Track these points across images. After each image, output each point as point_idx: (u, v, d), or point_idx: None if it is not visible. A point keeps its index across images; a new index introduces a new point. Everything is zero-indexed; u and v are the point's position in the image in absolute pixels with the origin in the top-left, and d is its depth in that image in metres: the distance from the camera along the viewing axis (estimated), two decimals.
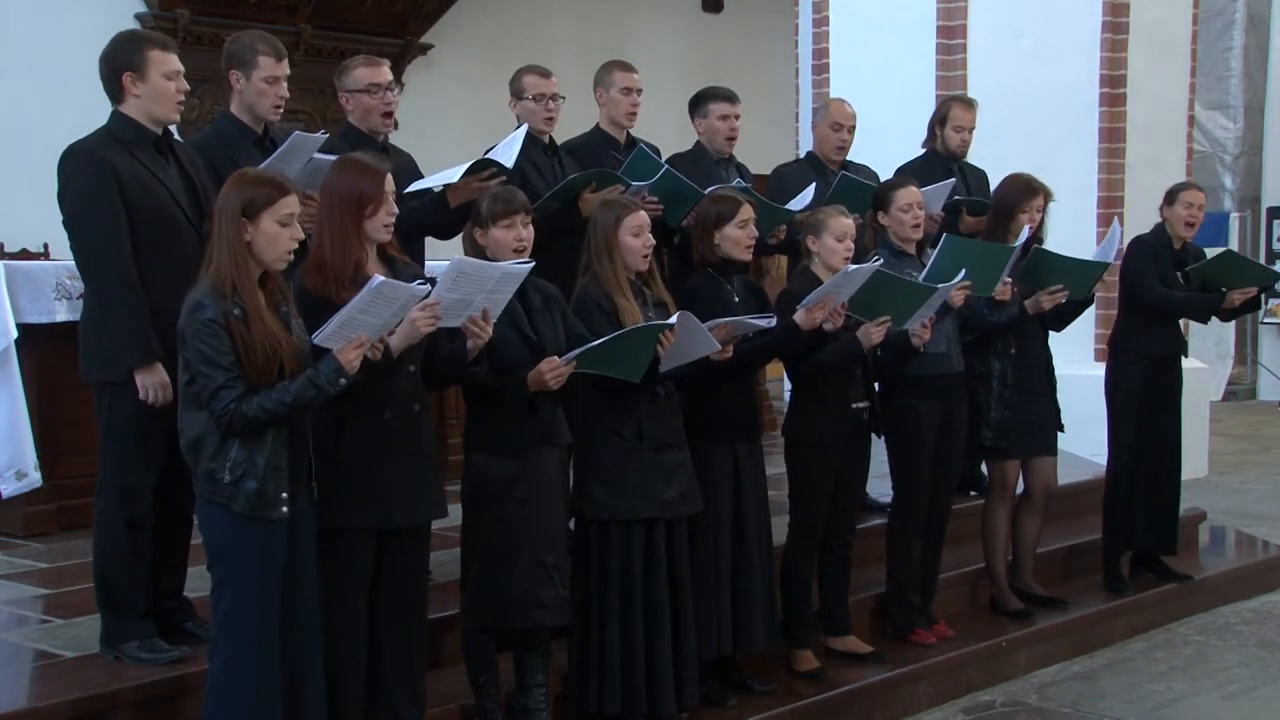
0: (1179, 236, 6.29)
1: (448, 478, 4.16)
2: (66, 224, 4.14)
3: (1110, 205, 8.49)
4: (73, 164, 4.12)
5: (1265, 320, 14.08)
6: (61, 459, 5.81)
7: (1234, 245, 13.36)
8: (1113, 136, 8.60)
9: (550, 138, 5.46)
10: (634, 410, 4.41)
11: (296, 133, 4.37)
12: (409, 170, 5.00)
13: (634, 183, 5.03)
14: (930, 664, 5.34)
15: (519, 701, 4.35)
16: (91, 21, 9.39)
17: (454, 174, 4.58)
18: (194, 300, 3.48)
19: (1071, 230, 7.54)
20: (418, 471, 3.91)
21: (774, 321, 4.59)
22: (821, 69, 8.94)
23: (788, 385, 5.85)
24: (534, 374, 4.07)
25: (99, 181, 4.05)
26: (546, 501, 4.23)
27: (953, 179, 6.19)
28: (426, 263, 4.88)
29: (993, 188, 6.06)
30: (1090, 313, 7.23)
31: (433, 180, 4.74)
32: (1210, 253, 6.49)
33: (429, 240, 5.06)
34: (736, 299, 4.81)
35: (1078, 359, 7.94)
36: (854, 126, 6.25)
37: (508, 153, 4.60)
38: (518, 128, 5.09)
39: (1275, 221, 14.11)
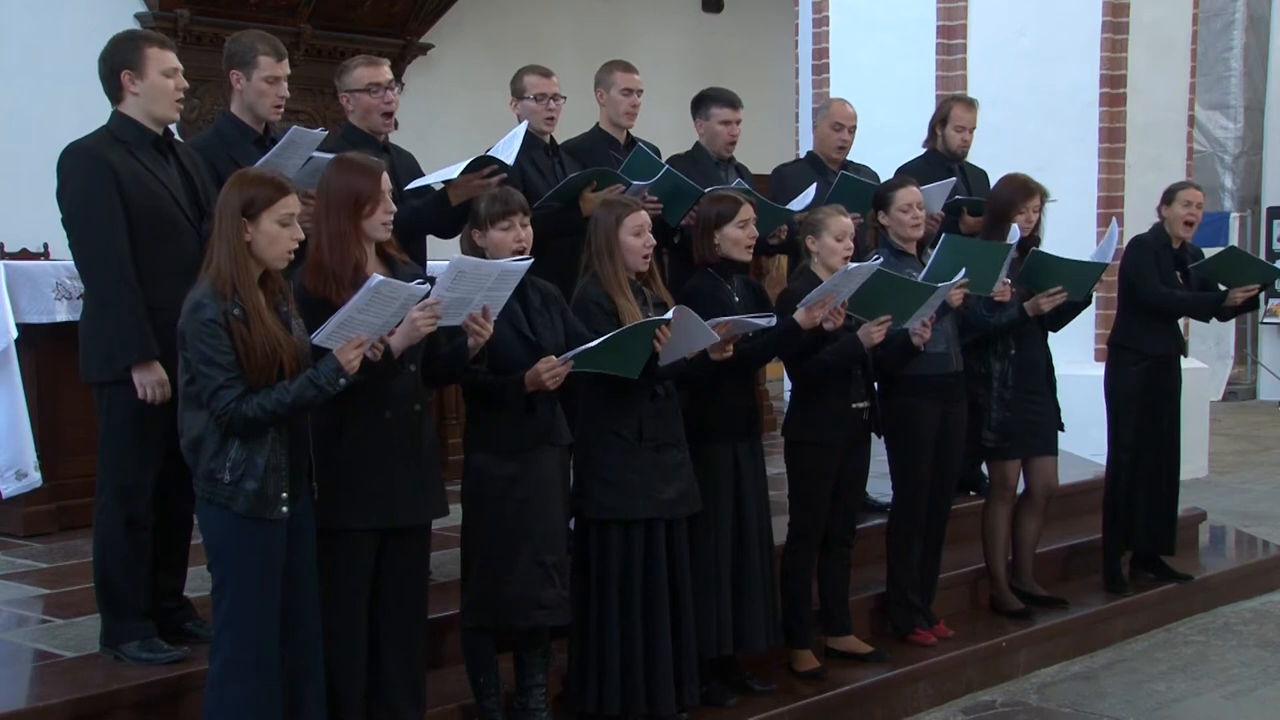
0: (1178, 236, 6.29)
1: (448, 478, 4.15)
2: (65, 223, 4.14)
3: (1110, 205, 8.49)
4: (71, 163, 4.12)
5: (1265, 320, 14.09)
6: (61, 459, 5.81)
7: (1235, 245, 13.36)
8: (1113, 136, 8.61)
9: (551, 137, 5.46)
10: (634, 410, 4.41)
11: (295, 127, 4.36)
12: (411, 170, 5.00)
13: (635, 182, 5.03)
14: (930, 664, 5.34)
15: (519, 701, 4.35)
16: (91, 21, 9.41)
17: (454, 171, 4.58)
18: (194, 300, 3.48)
19: (1071, 230, 7.55)
20: (418, 471, 3.91)
21: (774, 321, 4.59)
22: (821, 69, 8.94)
23: (788, 385, 5.85)
24: (531, 374, 4.07)
25: (97, 180, 4.05)
26: (546, 501, 4.22)
27: (953, 179, 6.19)
28: (428, 262, 4.88)
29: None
30: (1090, 313, 7.24)
31: (433, 178, 4.73)
32: (1209, 253, 6.48)
33: (430, 239, 5.05)
34: (736, 299, 4.81)
35: (1078, 359, 7.95)
36: (855, 127, 6.26)
37: (508, 150, 4.59)
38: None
39: (1275, 221, 14.11)
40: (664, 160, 5.35)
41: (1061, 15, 8.53)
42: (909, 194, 5.34)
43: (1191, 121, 9.44)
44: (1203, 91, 12.38)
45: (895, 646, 5.39)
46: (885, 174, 6.02)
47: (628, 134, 5.67)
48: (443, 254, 4.38)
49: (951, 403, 5.41)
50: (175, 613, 4.39)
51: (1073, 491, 6.86)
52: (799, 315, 4.63)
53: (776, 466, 5.06)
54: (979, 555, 5.94)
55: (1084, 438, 7.08)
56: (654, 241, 4.55)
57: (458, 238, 4.53)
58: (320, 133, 4.44)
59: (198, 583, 4.21)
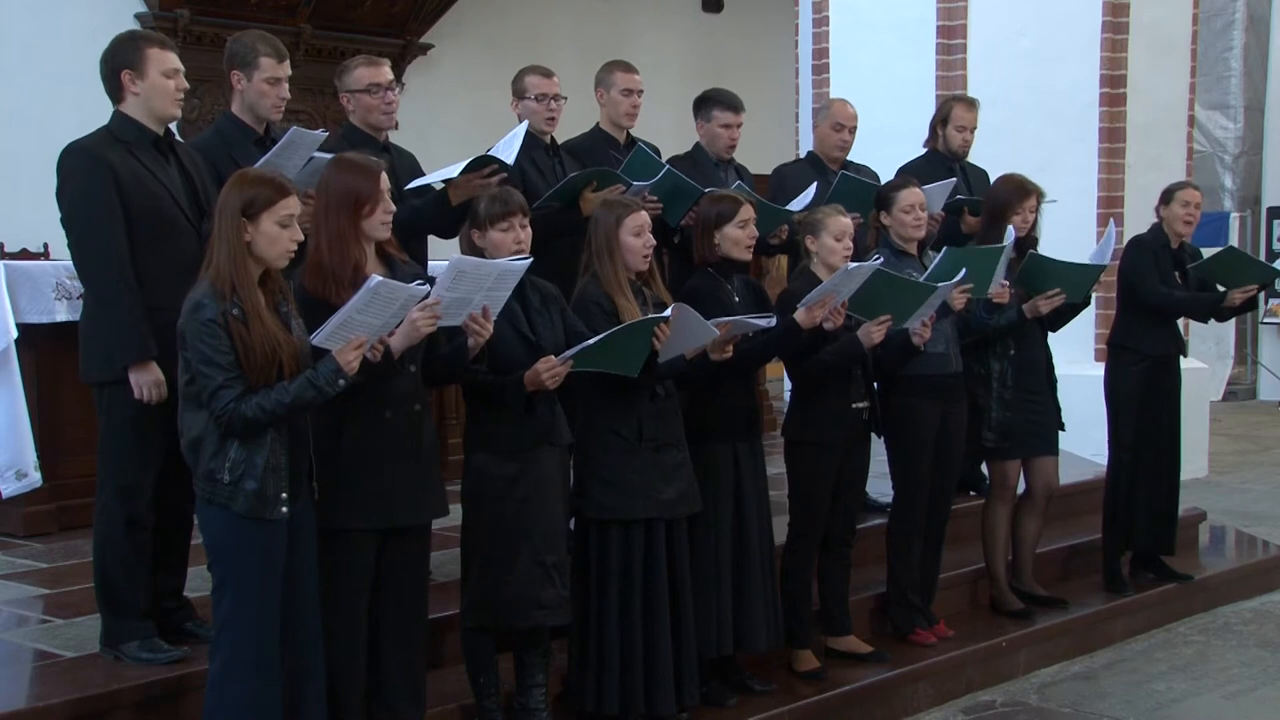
0: (1177, 235, 6.29)
1: (448, 478, 4.15)
2: (64, 222, 4.14)
3: (1110, 205, 8.49)
4: (71, 162, 4.12)
5: (1265, 320, 14.09)
6: (61, 459, 5.81)
7: (1234, 245, 13.36)
8: (1113, 136, 8.61)
9: (551, 137, 5.46)
10: (634, 410, 4.41)
11: (295, 128, 4.36)
12: (411, 170, 5.00)
13: (635, 182, 5.03)
14: (930, 664, 5.34)
15: (519, 701, 4.35)
16: (91, 21, 9.42)
17: (454, 171, 4.58)
18: (194, 300, 3.48)
19: (1071, 230, 7.55)
20: (418, 471, 3.91)
21: (774, 321, 4.59)
22: (821, 69, 8.94)
23: (788, 385, 5.85)
24: (530, 373, 4.06)
25: (97, 180, 4.05)
26: (546, 501, 4.22)
27: (954, 178, 6.19)
28: (429, 262, 4.88)
29: None
30: (1090, 313, 7.24)
31: (433, 177, 4.73)
32: (1208, 253, 6.49)
33: (431, 239, 5.05)
34: (736, 299, 4.81)
35: (1078, 359, 7.95)
36: (855, 127, 6.26)
37: (508, 149, 4.59)
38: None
39: (1275, 221, 14.11)
40: (664, 160, 5.35)
41: (1061, 15, 8.53)
42: (911, 195, 5.34)
43: (1191, 121, 9.44)
44: (1203, 91, 12.38)
45: (895, 646, 5.39)
46: (885, 174, 6.02)
47: (628, 134, 5.67)
48: (443, 254, 4.38)
49: (951, 403, 5.41)
50: (175, 613, 4.39)
51: (1073, 491, 6.86)
52: (799, 315, 4.63)
53: (776, 466, 5.06)
54: (979, 555, 5.94)
55: (1084, 438, 7.08)
56: (654, 242, 4.55)
57: (457, 238, 4.53)
58: (320, 133, 4.44)
59: (198, 583, 4.21)
